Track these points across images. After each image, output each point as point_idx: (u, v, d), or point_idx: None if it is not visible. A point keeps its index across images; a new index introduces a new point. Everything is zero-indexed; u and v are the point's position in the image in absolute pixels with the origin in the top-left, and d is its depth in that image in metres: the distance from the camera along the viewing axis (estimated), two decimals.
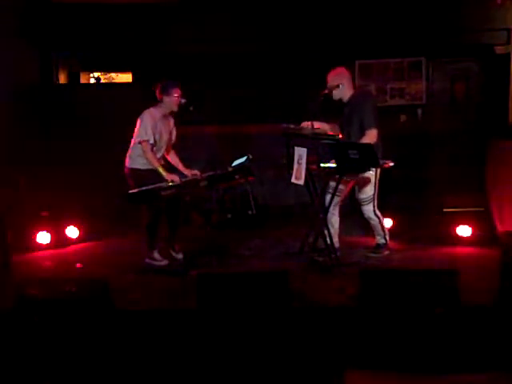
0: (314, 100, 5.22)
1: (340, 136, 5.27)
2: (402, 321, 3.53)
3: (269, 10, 7.84)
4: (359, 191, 5.43)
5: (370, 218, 5.45)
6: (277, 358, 3.54)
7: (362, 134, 5.18)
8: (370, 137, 5.14)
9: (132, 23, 7.91)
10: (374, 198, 5.37)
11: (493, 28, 7.75)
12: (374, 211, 5.40)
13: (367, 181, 5.31)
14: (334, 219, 5.48)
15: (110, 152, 7.43)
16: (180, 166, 5.49)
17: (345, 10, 7.82)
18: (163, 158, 5.45)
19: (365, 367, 3.31)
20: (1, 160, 6.30)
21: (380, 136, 5.23)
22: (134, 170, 5.27)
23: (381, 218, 5.46)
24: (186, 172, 5.42)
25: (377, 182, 5.31)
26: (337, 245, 5.39)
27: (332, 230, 5.36)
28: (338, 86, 5.29)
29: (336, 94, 5.35)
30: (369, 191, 5.35)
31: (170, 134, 5.45)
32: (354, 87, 5.50)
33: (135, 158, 5.28)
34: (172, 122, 5.46)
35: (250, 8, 7.81)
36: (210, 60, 8.05)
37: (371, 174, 5.21)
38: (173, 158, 5.54)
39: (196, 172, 5.39)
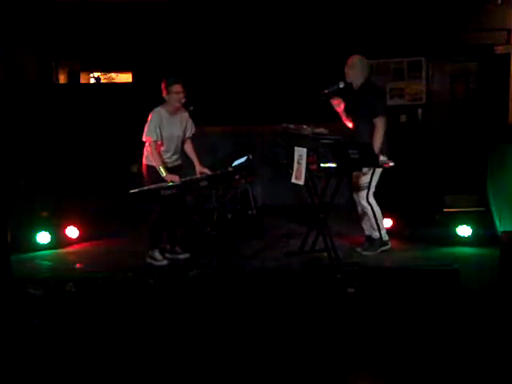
0: (315, 100, 5.21)
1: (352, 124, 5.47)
2: (402, 320, 3.53)
3: (271, 10, 7.84)
4: (356, 178, 5.46)
5: (363, 206, 5.47)
6: (278, 358, 3.54)
7: (368, 123, 5.30)
8: (381, 125, 5.29)
9: (132, 23, 7.91)
10: (369, 186, 5.38)
11: (493, 28, 7.76)
12: (367, 198, 5.39)
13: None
14: (377, 208, 5.49)
15: (110, 152, 7.47)
16: (195, 161, 5.52)
17: (345, 11, 7.83)
18: (182, 151, 5.49)
19: (366, 366, 3.31)
20: (1, 160, 6.29)
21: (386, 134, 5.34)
22: (149, 167, 5.33)
23: (374, 207, 5.44)
24: (199, 168, 5.46)
25: (374, 172, 5.31)
26: (383, 231, 5.47)
27: (377, 215, 5.43)
28: (351, 69, 5.43)
29: (348, 77, 5.46)
30: (365, 178, 5.38)
31: (185, 128, 5.47)
32: (367, 78, 5.52)
33: (149, 156, 5.34)
34: (185, 115, 5.46)
35: (252, 9, 7.82)
36: (209, 60, 8.05)
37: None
38: (189, 152, 5.57)
39: (206, 171, 5.42)
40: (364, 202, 5.44)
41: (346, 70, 5.50)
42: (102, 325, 3.92)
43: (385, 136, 5.33)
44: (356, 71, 5.45)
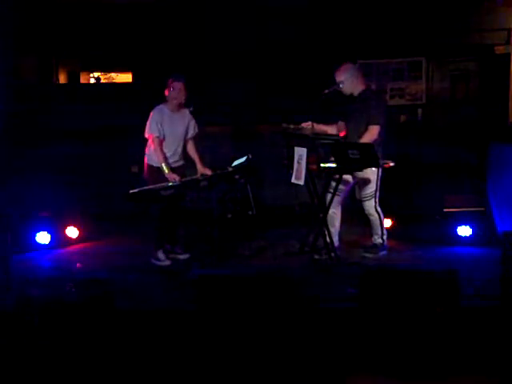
0: (315, 100, 5.21)
1: (343, 132, 5.37)
2: (402, 321, 3.53)
3: (271, 10, 7.84)
4: (361, 188, 5.44)
5: (371, 214, 5.45)
6: (277, 360, 3.54)
7: (366, 130, 5.20)
8: (372, 133, 5.17)
9: (132, 23, 7.91)
10: (375, 194, 5.37)
11: (493, 28, 7.76)
12: (375, 207, 5.39)
13: (368, 179, 5.32)
14: (336, 219, 5.48)
15: (110, 152, 7.46)
16: (196, 161, 5.51)
17: (346, 11, 7.82)
18: (183, 151, 5.48)
19: (365, 368, 3.31)
20: (0, 160, 6.30)
21: (383, 137, 5.26)
22: (151, 167, 5.34)
23: (381, 215, 5.45)
24: (200, 169, 5.45)
25: (378, 179, 5.31)
26: (336, 244, 5.40)
27: (332, 230, 5.37)
28: (345, 81, 5.30)
29: (345, 89, 5.34)
30: (370, 188, 5.36)
31: (187, 127, 5.46)
32: (365, 83, 5.47)
33: (151, 155, 5.33)
34: (188, 115, 5.46)
35: (252, 10, 7.81)
36: (209, 60, 8.05)
37: (373, 171, 5.24)
38: (191, 153, 5.54)
39: (207, 171, 5.41)
40: (372, 211, 5.42)
41: (342, 83, 5.28)
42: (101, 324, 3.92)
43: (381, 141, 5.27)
44: (353, 80, 5.31)
